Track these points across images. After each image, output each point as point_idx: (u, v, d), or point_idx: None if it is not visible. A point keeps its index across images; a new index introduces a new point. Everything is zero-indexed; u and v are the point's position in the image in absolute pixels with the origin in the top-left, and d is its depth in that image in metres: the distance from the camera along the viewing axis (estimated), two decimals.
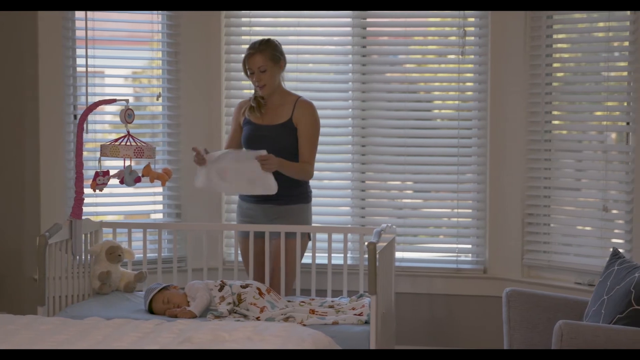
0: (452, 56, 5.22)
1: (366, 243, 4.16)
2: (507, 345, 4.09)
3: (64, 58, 5.11)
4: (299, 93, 4.81)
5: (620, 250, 4.17)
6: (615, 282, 3.77)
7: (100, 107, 4.98)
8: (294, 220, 4.69)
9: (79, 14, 5.08)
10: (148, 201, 5.37)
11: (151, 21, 5.30)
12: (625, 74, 4.76)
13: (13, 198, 5.16)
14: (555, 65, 5.00)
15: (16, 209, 5.15)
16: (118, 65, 5.40)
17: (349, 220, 5.30)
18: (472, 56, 5.19)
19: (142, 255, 4.85)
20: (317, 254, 4.75)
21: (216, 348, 3.31)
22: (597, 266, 4.67)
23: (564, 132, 5.02)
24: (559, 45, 5.09)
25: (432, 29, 5.42)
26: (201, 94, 5.34)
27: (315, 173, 4.77)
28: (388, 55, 5.38)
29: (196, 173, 4.65)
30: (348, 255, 4.85)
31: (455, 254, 5.27)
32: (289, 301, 4.45)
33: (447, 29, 5.34)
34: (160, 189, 5.28)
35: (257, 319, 4.18)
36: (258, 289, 4.36)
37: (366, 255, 4.13)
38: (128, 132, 4.40)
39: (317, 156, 4.76)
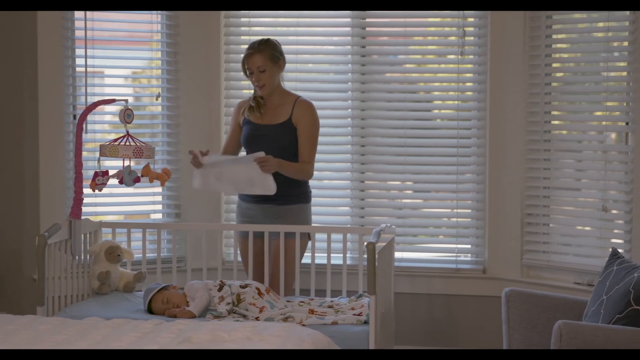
0: (452, 56, 5.22)
1: (365, 243, 4.15)
2: (506, 345, 4.09)
3: (64, 58, 5.11)
4: (299, 93, 4.81)
5: (620, 250, 4.18)
6: (615, 282, 3.77)
7: (100, 107, 4.97)
8: (294, 220, 4.69)
9: (79, 14, 5.08)
10: (147, 201, 5.37)
11: (150, 21, 5.30)
12: (624, 74, 4.76)
13: (12, 198, 5.16)
14: (554, 65, 5.00)
15: (16, 209, 5.15)
16: (117, 65, 5.39)
17: (349, 220, 5.30)
18: (472, 56, 5.19)
19: (141, 255, 4.85)
20: (316, 254, 4.75)
21: (215, 348, 3.31)
22: (596, 266, 4.67)
23: (564, 132, 5.02)
24: (559, 45, 5.09)
25: (432, 29, 5.42)
26: (201, 94, 5.34)
27: (315, 173, 4.77)
28: (387, 55, 5.38)
29: (193, 174, 4.66)
30: (347, 255, 4.85)
31: (454, 254, 5.27)
32: (288, 301, 4.45)
33: (446, 29, 5.34)
34: (159, 189, 5.28)
35: (257, 319, 4.18)
36: (257, 289, 4.36)
37: (365, 255, 4.13)
38: (127, 132, 4.40)
39: (317, 156, 4.76)
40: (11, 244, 5.16)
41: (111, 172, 4.42)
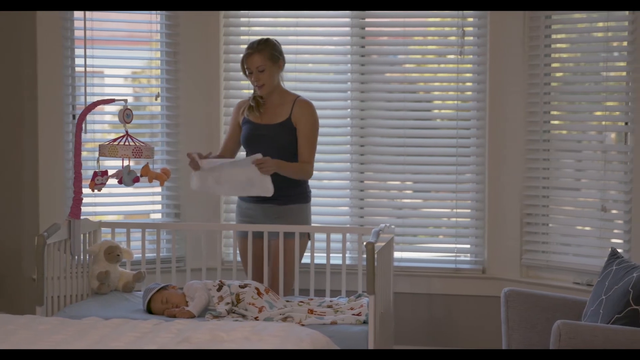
0: (451, 56, 5.22)
1: (365, 243, 4.15)
2: (505, 345, 4.09)
3: (63, 58, 5.11)
4: (298, 93, 4.81)
5: (619, 250, 4.18)
6: (614, 282, 3.77)
7: (99, 107, 4.97)
8: (294, 220, 4.69)
9: (78, 14, 5.08)
10: (147, 201, 5.37)
11: (150, 21, 5.30)
12: (624, 74, 4.76)
13: (12, 198, 5.16)
14: (554, 65, 5.00)
15: (15, 209, 5.15)
16: (117, 65, 5.39)
17: (348, 220, 5.30)
18: (471, 56, 5.19)
19: (140, 255, 4.84)
20: (315, 254, 4.74)
21: (214, 348, 3.31)
22: (595, 266, 4.67)
23: (563, 132, 5.02)
24: (558, 45, 5.09)
25: (431, 29, 5.42)
26: (200, 94, 5.34)
27: (315, 173, 4.77)
28: (387, 55, 5.38)
29: (191, 176, 4.66)
30: (347, 255, 4.84)
31: (454, 254, 5.27)
32: (287, 301, 4.45)
33: (446, 29, 5.34)
34: (159, 189, 5.28)
35: (256, 319, 4.18)
36: (257, 288, 4.36)
37: (365, 255, 4.13)
38: (127, 132, 4.40)
39: (317, 156, 4.76)
40: (10, 243, 5.16)
41: (110, 172, 4.42)
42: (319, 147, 4.77)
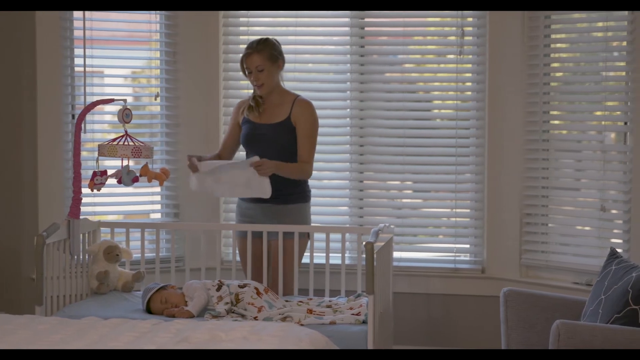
0: (451, 56, 5.23)
1: (364, 243, 4.15)
2: (504, 345, 4.09)
3: (62, 58, 5.11)
4: (298, 93, 4.81)
5: (618, 250, 4.17)
6: (613, 281, 3.77)
7: (99, 107, 4.97)
8: (293, 219, 4.69)
9: (77, 14, 5.08)
10: (146, 201, 5.37)
11: (149, 21, 5.30)
12: (623, 74, 4.77)
13: (11, 198, 5.16)
14: (553, 65, 5.00)
15: (14, 209, 5.15)
16: (116, 65, 5.39)
17: (347, 220, 5.30)
18: (471, 56, 5.19)
19: (140, 255, 4.84)
20: (315, 254, 4.74)
21: (213, 348, 3.31)
22: (594, 266, 4.66)
23: (563, 132, 5.02)
24: (557, 45, 5.09)
25: (431, 29, 5.42)
26: (200, 94, 5.34)
27: (314, 173, 4.77)
28: (387, 55, 5.38)
29: (190, 177, 4.66)
30: (346, 255, 4.84)
31: (453, 254, 5.27)
32: (286, 301, 4.45)
33: (445, 29, 5.34)
34: (158, 189, 5.28)
35: (255, 318, 4.18)
36: (256, 288, 4.36)
37: (364, 255, 4.13)
38: (126, 131, 4.40)
39: (316, 156, 4.76)
40: (10, 243, 5.16)
41: (110, 172, 4.42)
42: (318, 147, 4.77)
